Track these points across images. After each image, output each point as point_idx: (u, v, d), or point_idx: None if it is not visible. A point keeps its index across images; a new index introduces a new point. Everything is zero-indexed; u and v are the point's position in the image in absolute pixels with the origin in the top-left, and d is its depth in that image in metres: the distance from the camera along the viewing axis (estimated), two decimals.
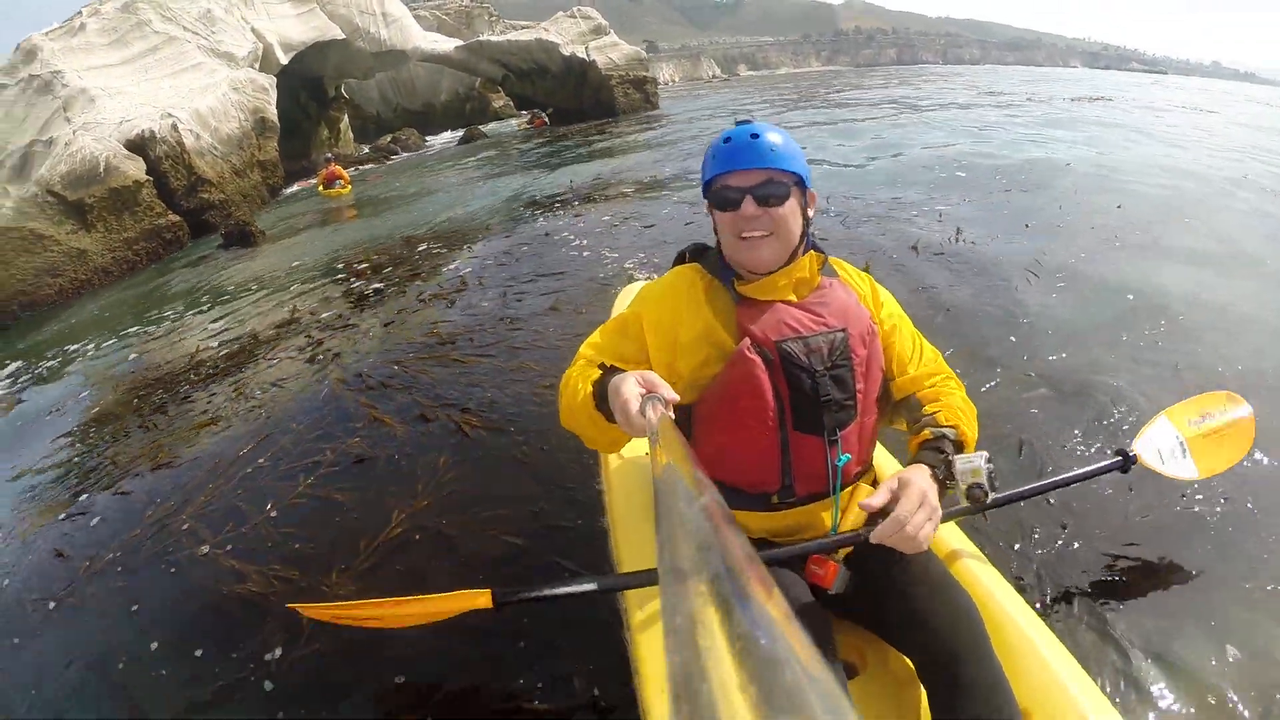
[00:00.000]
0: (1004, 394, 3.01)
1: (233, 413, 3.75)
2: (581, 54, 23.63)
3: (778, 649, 0.30)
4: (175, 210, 11.71)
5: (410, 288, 5.66)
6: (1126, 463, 1.71)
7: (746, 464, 1.35)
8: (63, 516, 3.09)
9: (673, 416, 1.02)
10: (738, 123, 1.37)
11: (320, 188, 14.56)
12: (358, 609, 1.58)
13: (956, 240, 5.12)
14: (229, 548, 2.54)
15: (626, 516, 1.83)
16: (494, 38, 24.53)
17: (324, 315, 5.35)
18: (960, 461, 1.25)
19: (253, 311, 6.05)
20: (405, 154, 22.06)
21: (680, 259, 1.54)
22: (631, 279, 2.80)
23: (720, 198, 1.34)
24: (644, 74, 24.98)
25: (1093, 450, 2.59)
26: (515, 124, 23.43)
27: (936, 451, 1.30)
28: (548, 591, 1.43)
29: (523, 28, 27.98)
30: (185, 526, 2.73)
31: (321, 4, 20.13)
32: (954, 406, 1.38)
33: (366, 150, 23.02)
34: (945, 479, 1.25)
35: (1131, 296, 3.95)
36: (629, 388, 1.09)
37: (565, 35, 23.79)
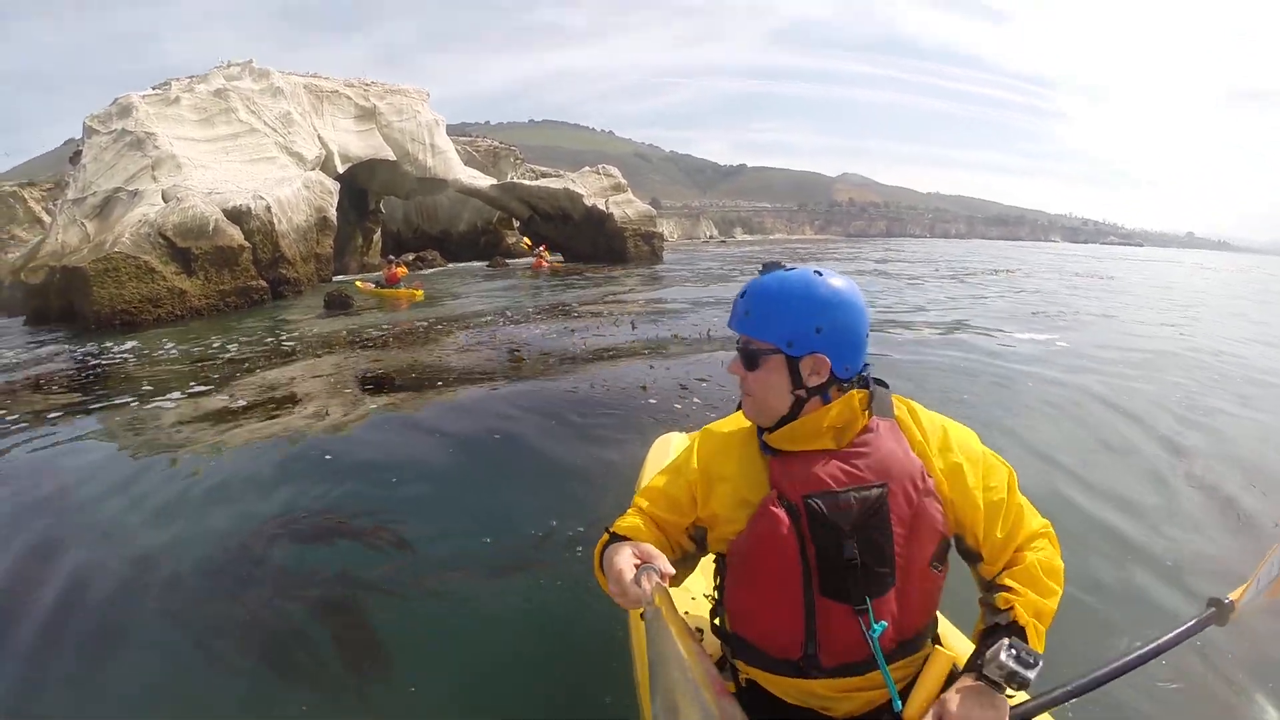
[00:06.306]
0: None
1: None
2: (602, 206, 26.01)
3: None
4: (262, 277, 12.40)
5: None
6: (1223, 613, 1.33)
7: (769, 626, 1.26)
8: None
9: (668, 588, 1.05)
10: (762, 269, 1.29)
11: (360, 283, 14.35)
12: None
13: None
14: None
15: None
16: (527, 181, 26.94)
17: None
18: (987, 663, 1.08)
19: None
20: (432, 269, 23.25)
21: None
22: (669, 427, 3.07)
23: None
24: (654, 230, 27.48)
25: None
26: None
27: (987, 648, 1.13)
28: None
29: (543, 174, 30.67)
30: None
31: (380, 126, 22.07)
32: (1029, 580, 1.20)
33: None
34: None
35: None
36: (623, 558, 1.11)
37: (589, 188, 26.29)
